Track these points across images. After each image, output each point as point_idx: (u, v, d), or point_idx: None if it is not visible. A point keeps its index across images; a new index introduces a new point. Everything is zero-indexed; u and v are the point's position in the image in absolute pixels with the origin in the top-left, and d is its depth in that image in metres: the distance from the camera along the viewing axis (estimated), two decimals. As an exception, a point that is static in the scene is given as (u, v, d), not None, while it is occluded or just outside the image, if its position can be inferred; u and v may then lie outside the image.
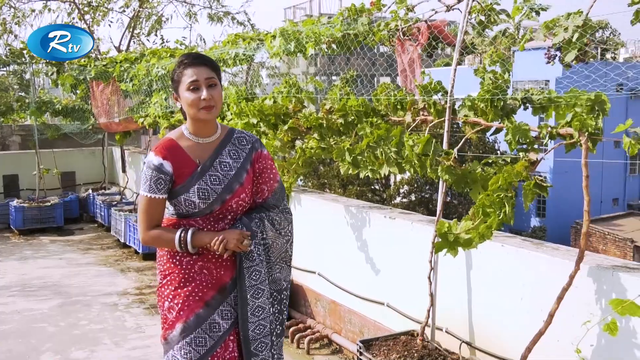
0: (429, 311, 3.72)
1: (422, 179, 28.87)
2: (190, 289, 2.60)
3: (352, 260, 4.72)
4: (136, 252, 8.10)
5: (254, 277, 2.63)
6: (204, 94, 2.47)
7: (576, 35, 2.61)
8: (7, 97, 13.26)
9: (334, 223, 4.96)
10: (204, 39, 12.95)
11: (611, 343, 2.88)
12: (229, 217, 2.63)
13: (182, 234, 2.53)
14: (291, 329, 5.02)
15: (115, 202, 9.70)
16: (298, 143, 4.79)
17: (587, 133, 2.88)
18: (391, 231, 4.35)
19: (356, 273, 4.70)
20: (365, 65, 5.45)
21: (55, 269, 7.57)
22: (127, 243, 8.36)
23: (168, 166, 2.52)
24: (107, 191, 10.87)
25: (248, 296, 2.62)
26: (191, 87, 2.50)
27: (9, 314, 5.83)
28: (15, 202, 9.79)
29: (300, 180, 29.97)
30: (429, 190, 28.51)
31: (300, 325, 5.14)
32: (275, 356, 2.76)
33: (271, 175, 2.75)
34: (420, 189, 29.07)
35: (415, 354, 3.58)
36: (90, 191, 10.88)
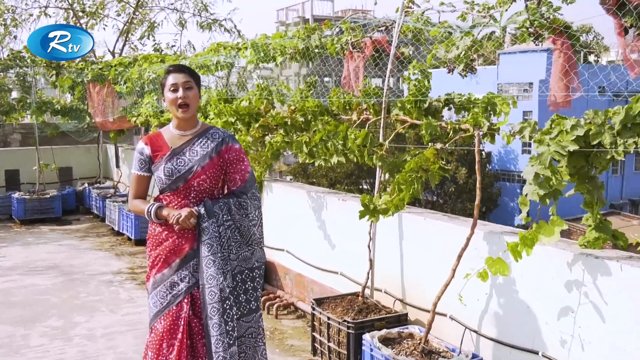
0: (368, 273, 4.56)
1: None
2: (159, 251, 3.30)
3: (314, 237, 5.55)
4: (129, 239, 8.91)
5: (207, 249, 3.15)
6: (180, 93, 3.21)
7: (463, 52, 3.46)
8: (6, 97, 14.04)
9: (298, 207, 5.79)
10: (193, 45, 13.82)
11: (499, 294, 3.73)
12: (192, 194, 3.23)
13: (150, 207, 3.23)
14: (263, 299, 5.85)
15: (110, 195, 10.49)
16: (268, 139, 5.61)
17: (480, 128, 3.73)
18: (343, 211, 5.18)
19: (316, 248, 5.54)
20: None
21: (56, 253, 8.38)
22: (121, 231, 9.18)
23: (147, 150, 3.28)
24: (102, 185, 11.68)
25: (203, 265, 3.16)
26: (171, 89, 3.24)
27: (17, 289, 6.64)
28: (17, 195, 10.61)
29: (290, 178, 30.72)
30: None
31: (271, 295, 5.98)
32: (229, 324, 3.13)
33: (242, 167, 3.30)
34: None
35: (356, 308, 4.42)
36: (86, 185, 11.72)
